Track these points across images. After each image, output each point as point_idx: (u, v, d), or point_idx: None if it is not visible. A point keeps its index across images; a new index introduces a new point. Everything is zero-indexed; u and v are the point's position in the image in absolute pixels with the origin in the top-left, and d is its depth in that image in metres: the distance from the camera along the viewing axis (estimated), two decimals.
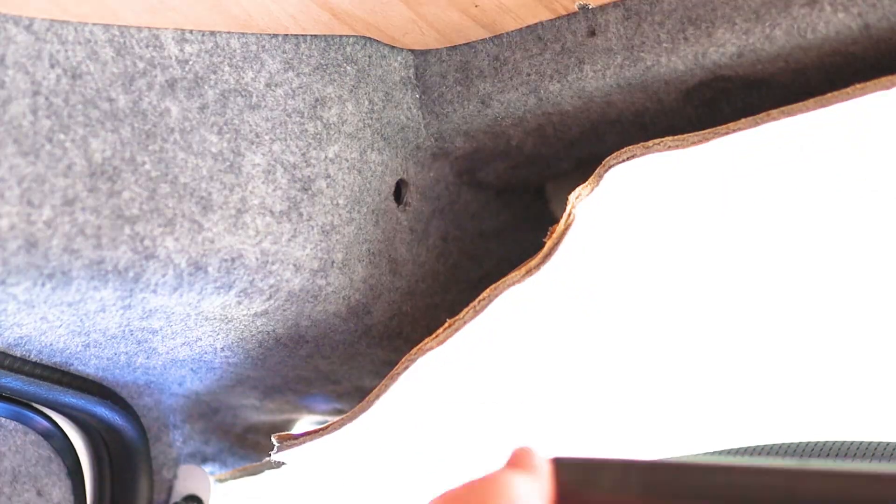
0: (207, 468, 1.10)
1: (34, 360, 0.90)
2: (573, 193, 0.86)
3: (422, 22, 0.88)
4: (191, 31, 0.81)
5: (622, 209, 0.99)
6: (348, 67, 0.90)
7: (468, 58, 0.91)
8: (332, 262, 0.88)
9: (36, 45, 0.73)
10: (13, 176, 0.71)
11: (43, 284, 0.74)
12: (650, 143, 0.85)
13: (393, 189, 0.93)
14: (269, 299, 0.86)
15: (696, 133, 0.84)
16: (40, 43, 0.73)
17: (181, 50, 0.80)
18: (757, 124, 0.82)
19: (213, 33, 0.82)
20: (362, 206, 0.90)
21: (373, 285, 0.92)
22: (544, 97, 0.89)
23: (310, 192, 0.86)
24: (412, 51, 0.93)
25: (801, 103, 0.81)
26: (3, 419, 0.96)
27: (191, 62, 0.81)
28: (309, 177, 0.86)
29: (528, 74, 0.89)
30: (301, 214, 0.86)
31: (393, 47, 0.92)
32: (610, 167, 0.86)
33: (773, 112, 0.82)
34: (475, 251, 1.05)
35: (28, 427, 0.97)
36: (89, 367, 0.93)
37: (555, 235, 0.85)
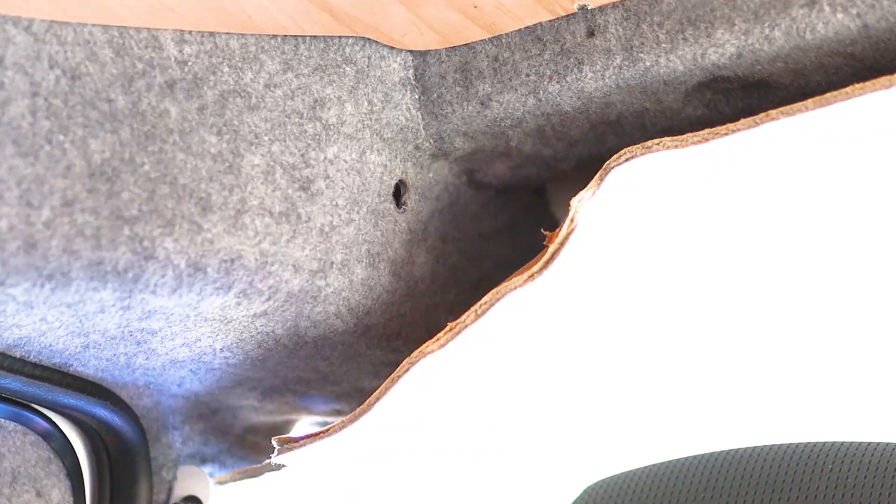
0: (207, 469, 1.10)
1: (34, 360, 0.90)
2: (575, 198, 0.85)
3: (421, 23, 0.88)
4: (190, 32, 0.81)
5: (624, 211, 0.98)
6: (347, 68, 0.90)
7: (467, 59, 0.91)
8: (332, 262, 0.88)
9: (35, 46, 0.73)
10: (12, 177, 0.71)
11: (42, 285, 0.74)
12: (649, 143, 0.85)
13: (392, 190, 0.93)
14: (268, 300, 0.86)
15: (696, 133, 0.84)
16: (39, 44, 0.73)
17: (180, 51, 0.80)
18: (756, 125, 0.82)
19: (212, 34, 0.82)
20: (361, 206, 0.90)
21: (372, 286, 0.92)
22: (543, 98, 0.89)
23: (309, 192, 0.86)
24: (411, 52, 0.93)
25: (800, 103, 0.81)
26: (3, 420, 0.95)
27: (190, 63, 0.81)
28: (308, 177, 0.86)
29: (528, 75, 0.89)
30: (300, 215, 0.86)
31: (392, 48, 0.92)
32: (611, 170, 0.86)
33: (773, 112, 0.82)
34: (475, 252, 1.05)
35: (27, 428, 0.97)
36: (89, 368, 0.93)
37: (557, 240, 0.85)
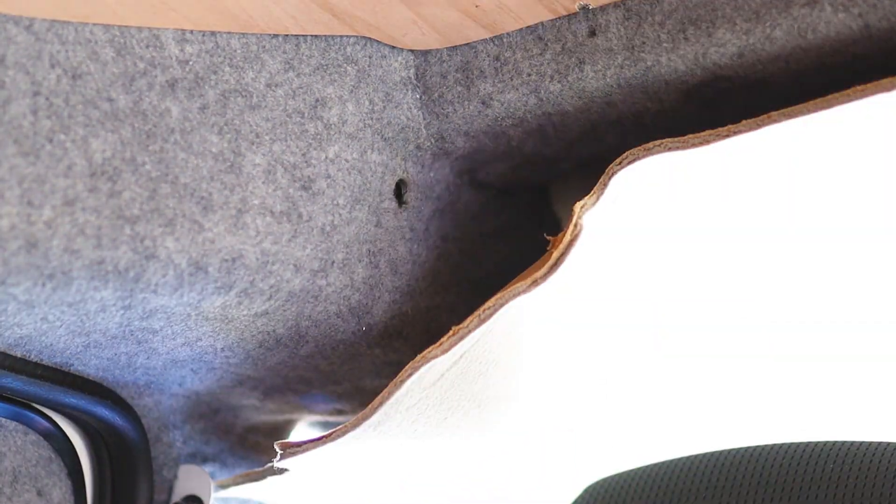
0: (207, 468, 1.10)
1: (34, 360, 0.90)
2: (578, 203, 0.85)
3: (422, 22, 0.88)
4: (191, 32, 0.81)
5: (627, 214, 0.98)
6: (349, 68, 0.90)
7: (469, 58, 0.91)
8: (333, 262, 0.88)
9: (36, 46, 0.73)
10: (13, 176, 0.71)
11: (43, 284, 0.74)
12: (650, 145, 0.85)
13: (393, 189, 0.93)
14: (269, 299, 0.86)
15: (697, 135, 0.84)
16: (41, 43, 0.73)
17: (181, 50, 0.80)
18: (758, 126, 0.82)
19: (213, 33, 0.82)
20: (363, 206, 0.90)
21: (373, 285, 0.92)
22: (545, 97, 0.89)
23: (310, 192, 0.86)
24: (413, 51, 0.93)
25: (802, 105, 0.81)
26: (4, 419, 0.95)
27: (191, 62, 0.81)
28: (309, 177, 0.86)
29: (529, 75, 0.89)
30: (301, 215, 0.86)
31: (393, 47, 0.92)
32: (613, 174, 0.85)
33: (774, 114, 0.82)
34: (476, 251, 1.05)
35: (28, 427, 0.97)
36: (90, 367, 0.93)
37: (561, 246, 0.85)
